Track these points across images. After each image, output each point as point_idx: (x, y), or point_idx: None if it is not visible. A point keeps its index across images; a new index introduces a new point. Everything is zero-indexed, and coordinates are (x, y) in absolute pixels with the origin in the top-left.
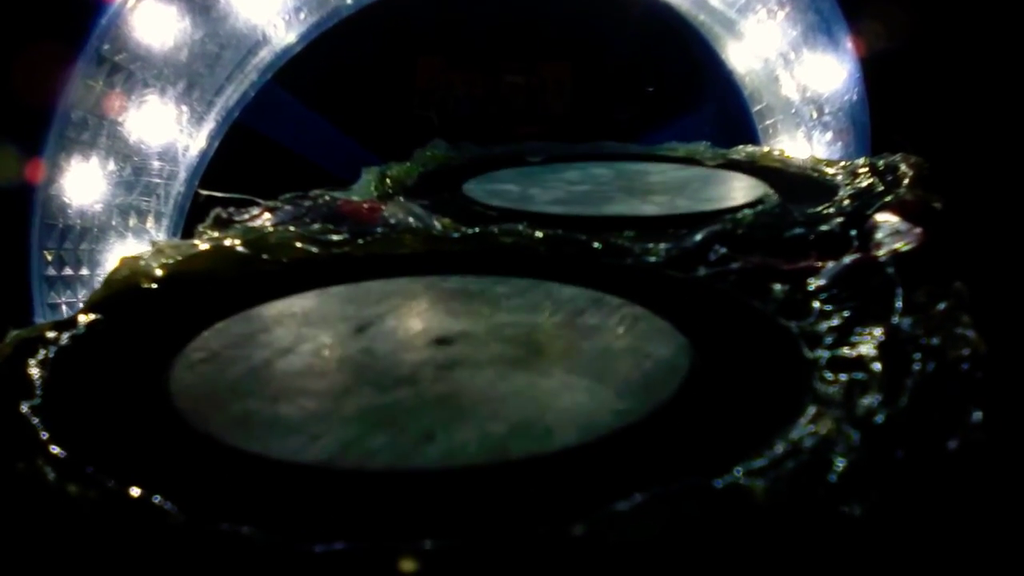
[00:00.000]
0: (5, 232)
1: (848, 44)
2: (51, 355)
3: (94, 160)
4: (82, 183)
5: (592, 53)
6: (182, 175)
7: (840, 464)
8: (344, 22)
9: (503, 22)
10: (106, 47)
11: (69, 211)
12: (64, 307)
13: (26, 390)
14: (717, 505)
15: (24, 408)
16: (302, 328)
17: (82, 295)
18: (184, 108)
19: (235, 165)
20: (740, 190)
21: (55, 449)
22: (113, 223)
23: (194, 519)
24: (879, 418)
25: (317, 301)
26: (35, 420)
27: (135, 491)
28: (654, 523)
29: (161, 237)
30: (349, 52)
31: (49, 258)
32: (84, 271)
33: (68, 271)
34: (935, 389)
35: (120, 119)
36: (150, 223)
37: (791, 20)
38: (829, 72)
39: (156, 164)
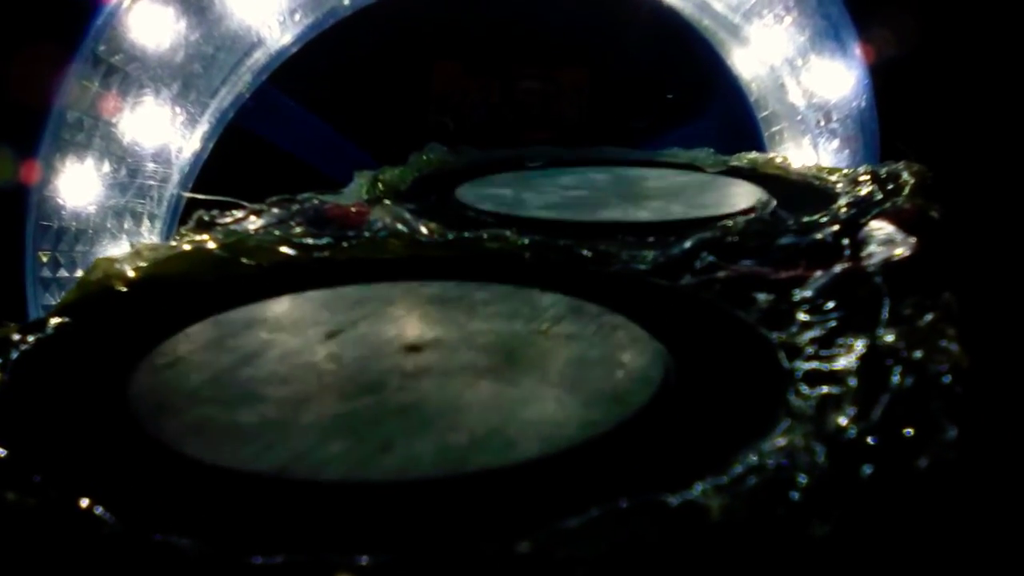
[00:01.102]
0: (0, 233)
1: (856, 50)
2: (12, 357)
3: (89, 161)
4: (77, 185)
5: (610, 59)
6: (176, 177)
7: (803, 481)
8: (360, 28)
9: (519, 27)
10: (102, 48)
11: (64, 213)
12: None
13: None
14: (671, 523)
15: None
16: (272, 333)
17: None
18: (179, 110)
19: (231, 167)
20: (736, 196)
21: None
22: (108, 225)
23: (128, 528)
24: (850, 433)
25: (291, 306)
26: None
27: (74, 499)
28: (603, 540)
29: (154, 239)
30: (365, 58)
31: (44, 260)
32: (79, 273)
33: (63, 273)
34: (911, 404)
35: (115, 120)
36: (144, 225)
37: (798, 25)
38: (837, 78)
39: (150, 166)
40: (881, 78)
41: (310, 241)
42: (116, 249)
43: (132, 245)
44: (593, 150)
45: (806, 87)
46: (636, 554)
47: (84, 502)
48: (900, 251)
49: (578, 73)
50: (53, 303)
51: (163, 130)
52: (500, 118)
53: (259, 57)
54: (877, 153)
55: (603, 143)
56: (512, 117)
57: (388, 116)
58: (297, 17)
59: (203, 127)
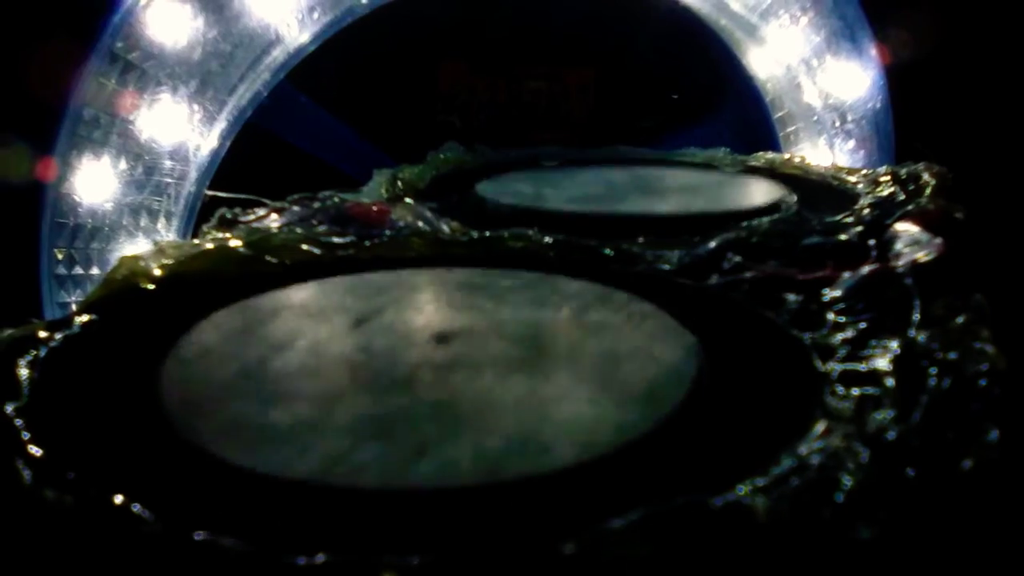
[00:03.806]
0: (16, 230)
1: (872, 51)
2: (41, 355)
3: (105, 159)
4: (93, 182)
5: (616, 59)
6: (193, 175)
7: (847, 483)
8: (367, 27)
9: (526, 27)
10: (119, 45)
11: (80, 210)
12: (74, 307)
13: (12, 391)
14: (715, 523)
15: (8, 409)
16: (299, 321)
17: None
18: (196, 107)
19: (247, 165)
20: (757, 194)
21: (35, 451)
22: (124, 222)
23: (169, 528)
24: (891, 435)
25: (316, 293)
26: (18, 421)
27: (112, 498)
28: (648, 542)
29: (171, 237)
30: (371, 56)
31: (60, 257)
32: (95, 270)
33: (78, 270)
34: (950, 406)
35: (132, 118)
36: (161, 223)
37: (814, 26)
38: (852, 79)
39: (167, 163)
40: (896, 79)
41: (334, 240)
42: (132, 246)
43: (156, 243)
44: (609, 150)
45: (822, 87)
46: (681, 555)
47: (121, 499)
48: (927, 252)
49: (584, 73)
50: (68, 300)
51: (180, 128)
52: (507, 118)
53: (277, 55)
54: (892, 154)
55: (611, 143)
56: (519, 116)
57: (394, 115)
58: (315, 15)
59: (221, 125)
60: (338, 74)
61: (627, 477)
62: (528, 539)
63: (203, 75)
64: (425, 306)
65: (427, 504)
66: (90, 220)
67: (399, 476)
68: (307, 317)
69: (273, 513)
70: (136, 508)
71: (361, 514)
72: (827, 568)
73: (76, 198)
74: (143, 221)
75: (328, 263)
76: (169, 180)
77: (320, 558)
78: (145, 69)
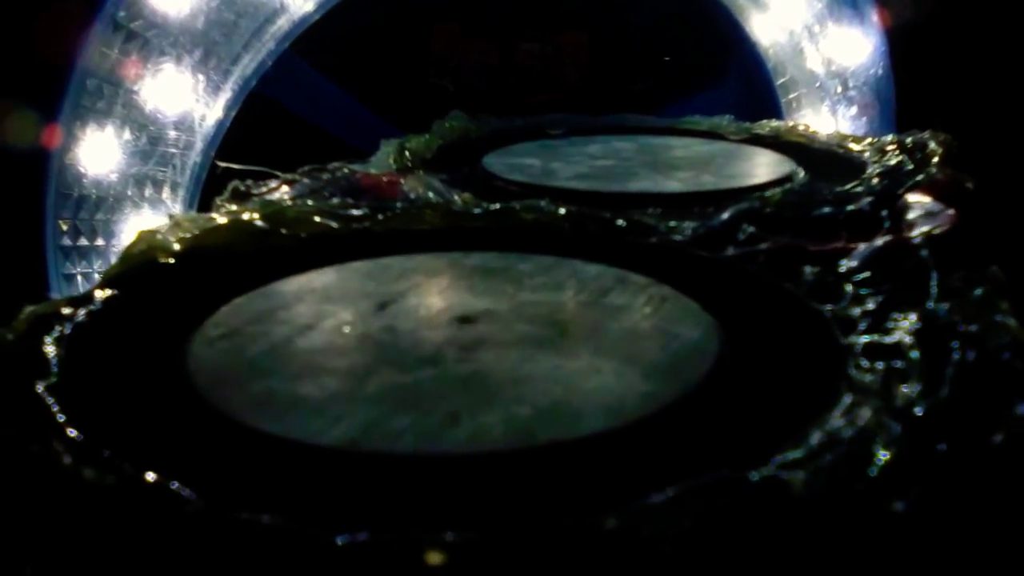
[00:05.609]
0: (20, 201)
1: (874, 16)
2: (67, 332)
3: (109, 129)
4: (97, 152)
5: (610, 22)
6: (198, 145)
7: (881, 457)
8: None
9: None
10: (122, 14)
11: (84, 181)
12: (79, 277)
13: (42, 368)
14: (753, 498)
15: (39, 388)
16: (322, 304)
17: (97, 265)
18: (200, 77)
19: (251, 135)
20: (766, 167)
21: (71, 432)
22: (129, 193)
23: (213, 507)
24: (919, 409)
25: (337, 277)
26: (51, 400)
27: (152, 476)
28: (688, 516)
29: (177, 208)
30: (364, 20)
31: (64, 228)
32: (99, 241)
33: (83, 241)
34: (976, 379)
35: (136, 87)
36: (166, 193)
37: None
38: (854, 45)
39: (172, 134)
40: (898, 45)
41: (349, 212)
42: (137, 217)
43: (171, 216)
44: (613, 117)
45: (824, 53)
46: (720, 529)
47: (164, 481)
48: (940, 223)
49: (577, 36)
50: (73, 272)
51: (185, 97)
52: (500, 81)
53: (282, 24)
54: (893, 120)
55: (604, 106)
56: (512, 80)
57: (389, 79)
58: None
59: (225, 95)
60: (330, 37)
61: (655, 445)
62: (563, 506)
63: (207, 44)
64: (446, 290)
65: (462, 470)
66: (95, 191)
67: (434, 443)
68: (330, 301)
69: (310, 483)
70: (175, 486)
71: (397, 481)
72: (862, 541)
73: (80, 168)
74: (148, 192)
75: (343, 236)
76: (174, 150)
77: (362, 536)
78: (148, 38)
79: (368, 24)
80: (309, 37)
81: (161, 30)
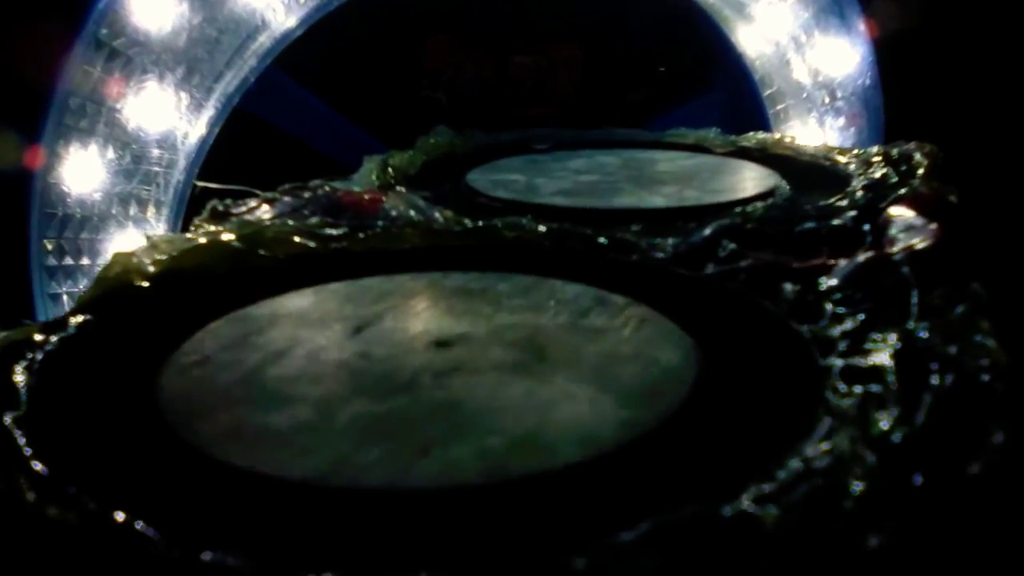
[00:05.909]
0: (4, 221)
1: (861, 26)
2: (38, 360)
3: (93, 147)
4: (81, 171)
5: (604, 34)
6: (182, 163)
7: (855, 488)
8: (353, 2)
9: (513, 1)
10: (104, 32)
11: (68, 200)
12: (65, 297)
13: (10, 399)
14: (725, 535)
15: (7, 419)
16: (298, 329)
17: (83, 285)
18: (183, 94)
19: (236, 153)
20: (750, 181)
21: (37, 466)
22: (113, 212)
23: (177, 547)
24: (896, 437)
25: (314, 300)
26: (18, 433)
27: (117, 515)
28: (658, 555)
29: (162, 226)
30: (357, 33)
31: (49, 247)
32: (85, 260)
33: (68, 260)
34: (954, 404)
35: (118, 105)
36: (150, 212)
37: (803, 2)
38: (841, 55)
39: (155, 152)
40: (885, 55)
41: (328, 232)
42: (122, 236)
43: (148, 238)
44: (600, 132)
45: (811, 64)
46: (690, 568)
47: (129, 519)
48: (922, 238)
49: (572, 48)
50: (59, 291)
51: (168, 115)
52: (494, 94)
53: (264, 40)
54: (881, 130)
55: (599, 118)
56: (506, 92)
57: (382, 93)
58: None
59: (208, 112)
60: (323, 52)
61: (629, 479)
62: (533, 542)
63: (189, 62)
64: (424, 312)
65: (431, 504)
66: (79, 210)
67: (402, 476)
68: (306, 326)
69: (277, 518)
70: (139, 525)
71: (365, 515)
72: None
73: (64, 188)
74: (132, 210)
75: (322, 256)
76: (158, 168)
77: None
78: (131, 56)
79: (362, 38)
80: (302, 53)
81: (143, 48)
